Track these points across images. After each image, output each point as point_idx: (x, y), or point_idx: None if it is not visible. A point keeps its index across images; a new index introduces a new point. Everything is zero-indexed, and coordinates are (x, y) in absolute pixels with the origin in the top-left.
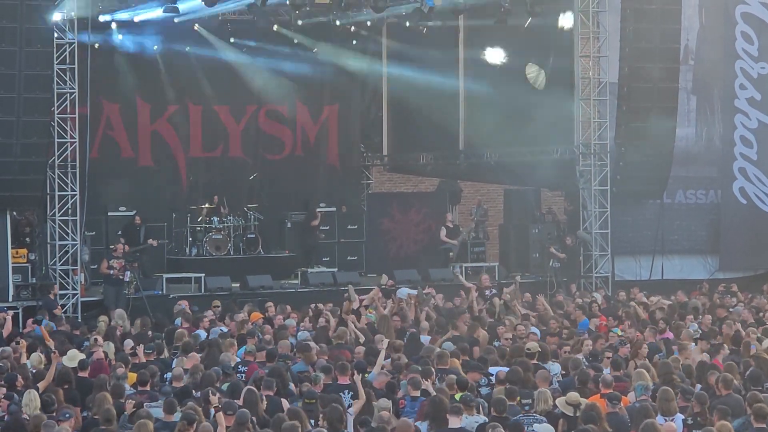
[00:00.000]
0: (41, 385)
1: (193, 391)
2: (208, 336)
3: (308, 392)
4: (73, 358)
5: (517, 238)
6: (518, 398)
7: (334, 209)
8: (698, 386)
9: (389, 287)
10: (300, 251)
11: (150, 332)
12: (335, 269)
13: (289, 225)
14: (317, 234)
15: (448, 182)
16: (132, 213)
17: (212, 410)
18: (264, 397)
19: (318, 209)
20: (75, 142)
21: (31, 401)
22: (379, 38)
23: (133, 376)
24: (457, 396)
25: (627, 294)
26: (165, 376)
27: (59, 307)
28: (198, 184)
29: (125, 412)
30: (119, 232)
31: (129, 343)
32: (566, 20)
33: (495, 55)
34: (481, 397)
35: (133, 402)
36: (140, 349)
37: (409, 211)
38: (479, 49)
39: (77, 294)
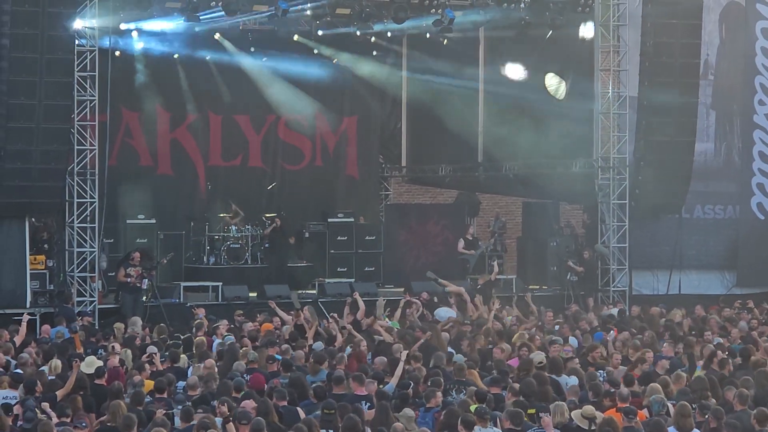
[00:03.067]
0: (60, 392)
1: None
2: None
3: (327, 403)
4: (90, 364)
5: (535, 251)
6: (530, 411)
7: (351, 220)
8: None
9: (409, 299)
10: (272, 267)
11: (166, 340)
12: (352, 279)
13: (307, 235)
14: (287, 241)
15: (466, 194)
16: (152, 221)
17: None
18: (278, 407)
19: (266, 216)
20: (94, 149)
21: None
22: (399, 49)
23: (149, 384)
24: (473, 408)
25: (640, 309)
26: (179, 384)
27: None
28: (217, 193)
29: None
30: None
31: (152, 348)
32: (587, 31)
33: (515, 67)
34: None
35: (164, 411)
36: (156, 357)
37: (428, 222)
38: (499, 60)
39: (94, 301)
